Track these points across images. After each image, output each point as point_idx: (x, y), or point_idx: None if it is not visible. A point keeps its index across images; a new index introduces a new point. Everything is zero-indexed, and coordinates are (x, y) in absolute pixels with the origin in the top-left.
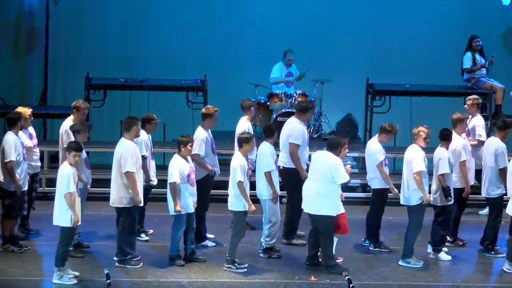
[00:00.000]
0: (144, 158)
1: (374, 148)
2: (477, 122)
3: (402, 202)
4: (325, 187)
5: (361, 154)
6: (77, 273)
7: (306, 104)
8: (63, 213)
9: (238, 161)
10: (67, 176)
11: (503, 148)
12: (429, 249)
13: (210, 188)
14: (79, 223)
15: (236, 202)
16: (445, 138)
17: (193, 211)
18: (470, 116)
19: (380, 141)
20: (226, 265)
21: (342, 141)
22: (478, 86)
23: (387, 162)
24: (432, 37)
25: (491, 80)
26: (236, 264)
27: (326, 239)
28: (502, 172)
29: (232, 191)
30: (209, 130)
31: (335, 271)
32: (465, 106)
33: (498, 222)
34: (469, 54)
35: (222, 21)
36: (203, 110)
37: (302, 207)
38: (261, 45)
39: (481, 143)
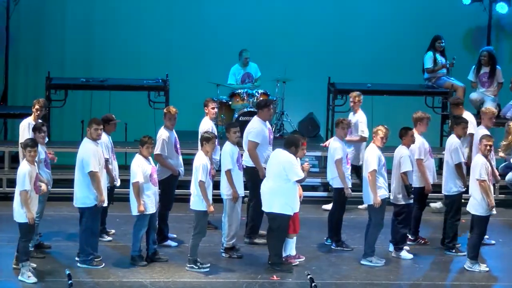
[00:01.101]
0: (105, 160)
1: (333, 146)
2: (360, 118)
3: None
4: (279, 185)
5: (323, 153)
6: (34, 265)
7: (264, 101)
8: (21, 210)
9: (200, 160)
10: (23, 174)
11: (457, 144)
12: (391, 247)
13: (174, 188)
14: (33, 222)
15: (197, 201)
16: (402, 135)
17: (155, 211)
18: (352, 113)
19: (339, 137)
20: (188, 265)
21: (299, 139)
22: (439, 85)
23: (349, 161)
24: (394, 36)
25: (452, 79)
26: (198, 264)
27: (275, 236)
28: (458, 168)
29: (194, 190)
30: (173, 130)
31: (279, 269)
32: (350, 103)
33: (457, 220)
34: (430, 54)
35: (184, 20)
36: (165, 110)
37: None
38: (223, 44)
39: (363, 139)
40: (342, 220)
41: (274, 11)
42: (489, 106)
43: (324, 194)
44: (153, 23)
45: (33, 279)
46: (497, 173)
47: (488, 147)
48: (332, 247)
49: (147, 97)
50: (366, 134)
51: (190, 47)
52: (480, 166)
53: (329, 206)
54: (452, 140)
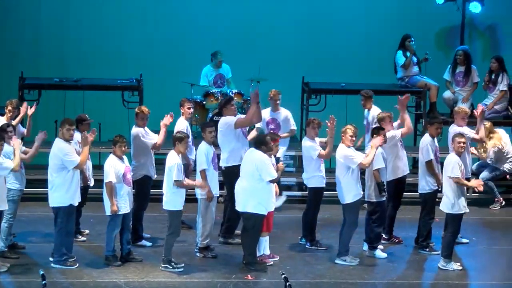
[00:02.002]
0: None
1: (306, 145)
2: (289, 113)
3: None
4: (252, 184)
5: (297, 153)
6: (8, 264)
7: (223, 100)
8: None
9: (174, 160)
10: None
11: (427, 142)
12: (365, 246)
13: (149, 188)
14: None
15: (171, 201)
16: (377, 135)
17: (129, 211)
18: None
19: (310, 137)
20: (162, 265)
21: (267, 137)
22: (412, 84)
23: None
24: (368, 36)
25: (425, 78)
26: (172, 264)
27: (249, 236)
28: (428, 165)
29: (167, 190)
30: (147, 129)
31: (254, 269)
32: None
33: (430, 218)
34: (400, 52)
35: (158, 20)
36: (137, 109)
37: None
38: (197, 44)
39: (293, 131)
40: (317, 220)
41: (248, 11)
42: (463, 105)
43: (299, 193)
44: (127, 23)
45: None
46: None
47: (461, 145)
48: (306, 246)
49: (121, 97)
50: (294, 126)
51: (164, 47)
52: (452, 164)
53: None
54: (424, 139)
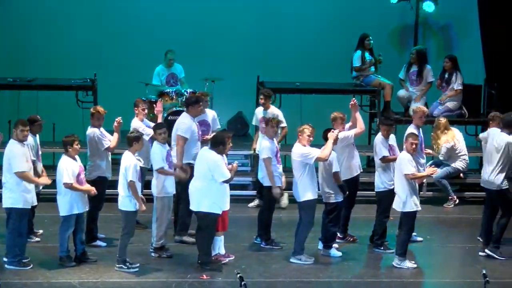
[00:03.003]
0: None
1: (263, 145)
2: (211, 113)
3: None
4: (206, 185)
5: (252, 152)
6: None
7: (194, 98)
8: None
9: (130, 160)
10: None
11: (379, 140)
12: (320, 245)
13: (104, 188)
14: None
15: (126, 201)
16: (326, 138)
17: (82, 211)
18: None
19: (269, 137)
20: (117, 265)
21: (225, 137)
22: (367, 83)
23: (279, 159)
24: (323, 35)
25: (379, 77)
26: (127, 264)
27: (204, 235)
28: (383, 162)
29: (122, 190)
30: (102, 130)
31: (209, 268)
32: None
33: (385, 217)
34: (359, 52)
35: (112, 20)
36: (92, 110)
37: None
38: (151, 43)
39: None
40: (272, 219)
41: (203, 10)
42: (419, 104)
43: (253, 192)
44: (81, 23)
45: None
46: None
47: (414, 146)
48: (261, 245)
49: (75, 97)
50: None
51: (119, 47)
52: (405, 162)
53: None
54: (376, 138)
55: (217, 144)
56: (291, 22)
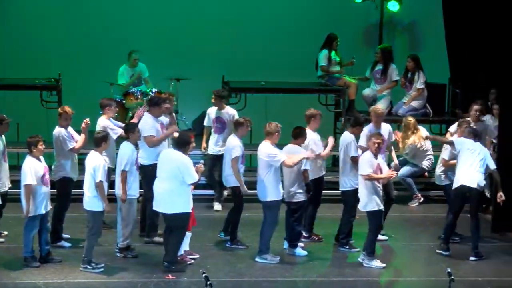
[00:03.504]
0: None
1: (231, 144)
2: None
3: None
4: (177, 186)
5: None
6: None
7: (156, 98)
8: None
9: (98, 161)
10: None
11: (351, 139)
12: (285, 245)
13: (70, 188)
14: None
15: (93, 202)
16: (296, 136)
17: (46, 211)
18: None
19: (239, 136)
20: (82, 266)
21: (191, 138)
22: (332, 82)
23: (244, 159)
24: (288, 34)
25: (345, 76)
26: (92, 264)
27: (177, 236)
28: (353, 161)
29: (89, 191)
30: (70, 129)
31: (175, 268)
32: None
33: (352, 216)
34: (325, 52)
35: (76, 19)
36: (60, 110)
37: (154, 207)
38: (116, 43)
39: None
40: (240, 218)
41: (167, 9)
42: (381, 103)
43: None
44: (45, 22)
45: None
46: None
47: (376, 145)
48: (227, 245)
49: (40, 97)
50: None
51: (83, 46)
52: (364, 162)
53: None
54: (346, 137)
55: (184, 145)
56: (257, 21)
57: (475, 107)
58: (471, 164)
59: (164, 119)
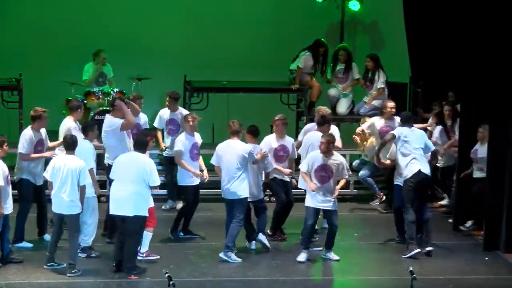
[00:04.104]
0: None
1: (178, 138)
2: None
3: (225, 196)
4: (142, 188)
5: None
6: None
7: (76, 102)
8: None
9: (80, 163)
10: None
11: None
12: (253, 246)
13: (29, 190)
14: None
15: (74, 205)
16: (252, 133)
17: (10, 212)
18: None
19: (188, 134)
20: (72, 271)
21: (148, 139)
22: (301, 78)
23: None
24: (250, 34)
25: (313, 77)
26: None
27: (138, 239)
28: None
29: (69, 195)
30: (41, 131)
31: (137, 272)
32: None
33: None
34: (307, 54)
35: (37, 19)
36: (32, 112)
37: (113, 211)
38: (77, 42)
39: None
40: (192, 215)
41: (129, 8)
42: (343, 103)
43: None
44: (5, 22)
45: None
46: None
47: (322, 146)
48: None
49: (0, 97)
50: None
51: (44, 46)
52: (305, 160)
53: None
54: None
55: (144, 147)
56: (219, 21)
57: (446, 107)
58: (415, 153)
59: (143, 118)
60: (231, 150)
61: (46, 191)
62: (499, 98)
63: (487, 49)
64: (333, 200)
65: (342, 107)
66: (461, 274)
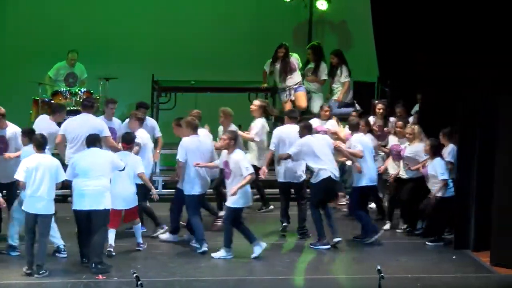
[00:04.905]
0: None
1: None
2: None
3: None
4: (107, 182)
5: None
6: None
7: (89, 100)
8: None
9: (55, 161)
10: None
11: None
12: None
13: None
14: None
15: (50, 205)
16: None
17: None
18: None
19: (131, 128)
20: (40, 272)
21: (99, 136)
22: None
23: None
24: (218, 33)
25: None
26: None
27: (105, 232)
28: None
29: (47, 194)
30: (5, 130)
31: (103, 267)
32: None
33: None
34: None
35: (6, 19)
36: None
37: (82, 206)
38: (43, 42)
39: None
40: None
41: (96, 8)
42: (314, 102)
43: None
44: None
45: None
46: None
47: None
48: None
49: None
50: None
51: (9, 46)
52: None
53: None
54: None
55: (96, 142)
56: (187, 20)
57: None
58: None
59: (117, 122)
60: (204, 146)
61: None
62: (468, 100)
63: (454, 49)
64: (231, 196)
65: (316, 106)
66: (428, 273)
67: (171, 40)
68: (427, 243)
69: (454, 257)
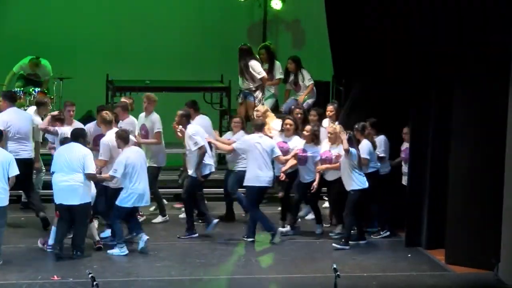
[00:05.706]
0: None
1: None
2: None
3: None
4: (82, 176)
5: None
6: None
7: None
8: None
9: (9, 154)
10: None
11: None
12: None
13: None
14: None
15: (3, 196)
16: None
17: None
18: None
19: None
20: None
21: (84, 131)
22: None
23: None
24: (173, 32)
25: None
26: None
27: (86, 224)
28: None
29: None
30: None
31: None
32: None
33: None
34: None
35: None
36: None
37: (62, 200)
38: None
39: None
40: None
41: (49, 6)
42: (268, 103)
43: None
44: None
45: None
46: None
47: None
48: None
49: None
50: None
51: None
52: None
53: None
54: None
55: (79, 137)
56: (141, 20)
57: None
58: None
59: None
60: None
61: None
62: (420, 98)
63: (407, 50)
64: None
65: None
66: (384, 271)
67: (126, 39)
68: (334, 244)
69: (409, 255)
